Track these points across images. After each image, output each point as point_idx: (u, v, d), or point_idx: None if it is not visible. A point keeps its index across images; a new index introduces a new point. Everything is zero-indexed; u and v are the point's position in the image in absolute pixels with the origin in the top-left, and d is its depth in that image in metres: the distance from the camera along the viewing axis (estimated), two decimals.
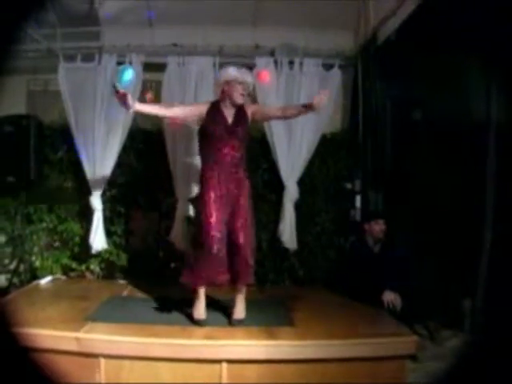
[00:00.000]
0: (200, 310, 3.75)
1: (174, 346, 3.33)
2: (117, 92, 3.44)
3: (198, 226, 3.78)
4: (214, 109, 3.81)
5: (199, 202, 3.82)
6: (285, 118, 4.16)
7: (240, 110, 3.86)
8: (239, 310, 3.77)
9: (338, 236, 5.28)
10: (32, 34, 4.97)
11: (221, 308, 3.96)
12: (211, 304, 3.99)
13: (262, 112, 4.05)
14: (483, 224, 3.80)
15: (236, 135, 3.77)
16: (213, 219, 3.64)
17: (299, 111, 3.80)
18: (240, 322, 3.70)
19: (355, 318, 3.86)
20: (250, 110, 3.90)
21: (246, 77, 3.80)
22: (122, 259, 5.23)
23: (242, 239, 3.70)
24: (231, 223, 3.73)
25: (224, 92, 3.80)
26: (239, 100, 3.79)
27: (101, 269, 5.26)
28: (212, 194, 3.69)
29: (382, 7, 4.62)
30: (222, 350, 3.32)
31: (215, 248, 3.60)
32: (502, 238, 3.62)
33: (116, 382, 3.27)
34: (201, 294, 3.77)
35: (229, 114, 3.81)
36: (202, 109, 3.83)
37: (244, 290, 3.82)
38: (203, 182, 3.79)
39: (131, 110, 3.59)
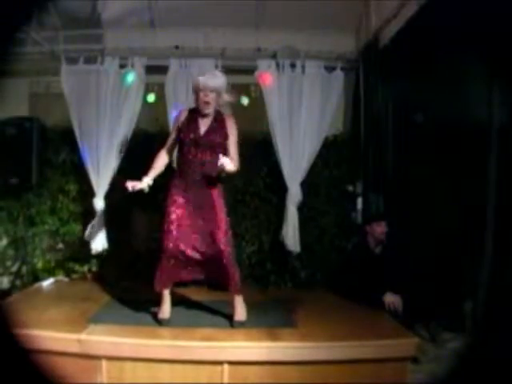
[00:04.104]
0: (164, 309, 3.80)
1: (176, 348, 3.33)
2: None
3: (160, 229, 3.79)
4: (191, 117, 3.78)
5: (164, 207, 3.81)
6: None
7: (217, 121, 3.78)
8: (240, 312, 3.76)
9: (339, 238, 5.28)
10: (34, 37, 4.99)
11: (221, 310, 3.96)
12: (212, 305, 4.01)
13: (230, 142, 3.83)
14: (484, 225, 3.79)
15: (206, 146, 3.70)
16: (173, 224, 3.69)
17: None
18: (241, 324, 3.71)
19: (356, 320, 3.86)
20: (230, 125, 3.80)
21: (208, 81, 3.66)
22: (125, 261, 5.23)
23: (217, 248, 3.67)
24: (206, 230, 3.72)
25: (195, 101, 3.78)
26: (204, 109, 3.69)
27: (102, 271, 5.26)
28: (176, 200, 3.72)
29: (384, 10, 4.63)
30: (224, 351, 3.33)
31: (172, 248, 3.66)
32: (503, 239, 3.62)
33: None
34: (166, 295, 3.83)
35: (203, 123, 3.75)
36: (179, 119, 3.82)
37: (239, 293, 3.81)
38: (170, 187, 3.80)
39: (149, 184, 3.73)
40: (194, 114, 3.79)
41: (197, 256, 3.71)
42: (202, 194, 3.73)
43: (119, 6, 5.04)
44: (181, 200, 3.72)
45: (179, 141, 3.79)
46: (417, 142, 4.65)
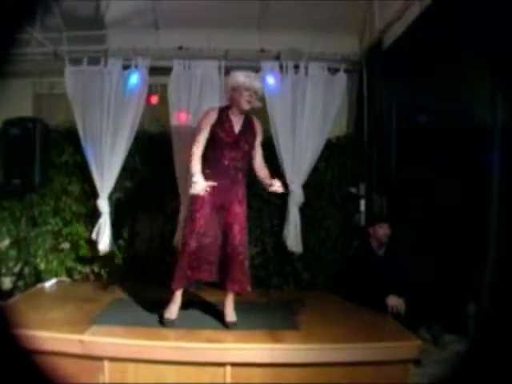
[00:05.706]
0: (172, 310, 3.78)
1: (179, 349, 3.33)
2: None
3: (185, 225, 3.83)
4: (223, 115, 3.80)
5: (191, 202, 3.81)
6: (255, 174, 4.00)
7: (248, 121, 3.86)
8: (229, 313, 3.78)
9: (342, 240, 5.27)
10: (38, 38, 5.00)
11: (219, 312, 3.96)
12: (214, 307, 4.01)
13: (257, 147, 3.97)
14: (488, 227, 3.79)
15: (241, 145, 3.78)
16: (198, 223, 3.68)
17: (264, 182, 3.84)
18: (234, 325, 3.71)
19: (359, 322, 3.86)
20: (258, 126, 3.92)
21: (254, 82, 3.74)
22: (127, 262, 5.23)
23: (234, 248, 3.72)
24: (226, 230, 3.76)
25: (231, 98, 3.80)
26: (245, 106, 3.75)
27: (105, 271, 5.26)
28: (204, 199, 3.70)
29: (388, 11, 4.61)
30: (227, 353, 3.33)
31: (193, 246, 3.65)
32: (506, 240, 3.61)
33: None
34: (177, 295, 3.80)
35: (237, 122, 3.81)
36: (211, 119, 3.78)
37: (233, 294, 3.83)
38: None
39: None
40: (225, 112, 3.82)
41: (217, 254, 3.74)
42: (228, 191, 3.77)
43: (123, 6, 5.05)
44: (207, 198, 3.69)
45: (212, 139, 3.78)
46: (420, 144, 4.64)
